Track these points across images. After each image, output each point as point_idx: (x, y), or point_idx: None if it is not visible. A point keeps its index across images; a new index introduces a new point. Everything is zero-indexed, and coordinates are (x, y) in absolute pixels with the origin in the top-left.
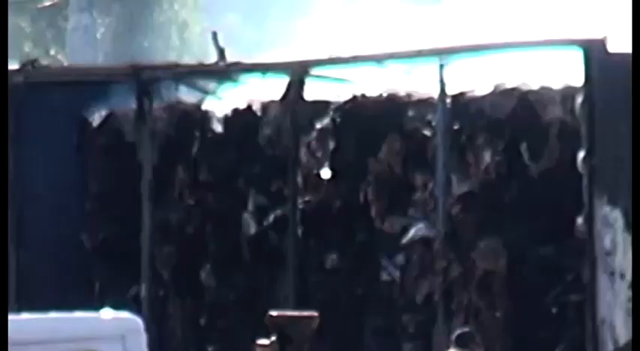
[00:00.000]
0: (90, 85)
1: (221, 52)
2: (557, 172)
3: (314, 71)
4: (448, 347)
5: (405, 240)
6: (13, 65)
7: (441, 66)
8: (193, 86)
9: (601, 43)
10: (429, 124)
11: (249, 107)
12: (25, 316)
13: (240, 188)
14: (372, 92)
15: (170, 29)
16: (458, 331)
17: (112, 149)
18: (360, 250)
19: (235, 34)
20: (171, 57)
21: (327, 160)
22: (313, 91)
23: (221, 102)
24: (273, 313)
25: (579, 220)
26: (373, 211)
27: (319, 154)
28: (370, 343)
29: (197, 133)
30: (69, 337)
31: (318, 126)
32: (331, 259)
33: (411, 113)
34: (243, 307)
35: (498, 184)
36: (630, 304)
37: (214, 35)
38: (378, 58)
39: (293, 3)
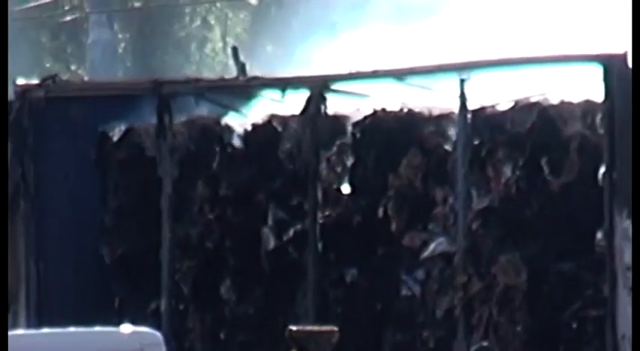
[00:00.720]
0: (110, 99)
1: (241, 67)
2: (578, 186)
3: (334, 86)
4: None
5: (425, 255)
6: (33, 80)
7: (462, 81)
8: (213, 101)
9: (621, 58)
10: (449, 138)
11: (269, 122)
12: (45, 330)
13: (260, 203)
14: (392, 107)
15: (190, 44)
16: (476, 346)
17: (132, 164)
18: (379, 264)
19: (256, 48)
20: (192, 72)
21: (347, 175)
22: (333, 105)
23: (241, 117)
24: (293, 327)
25: (599, 235)
26: (393, 226)
27: (339, 169)
28: None
29: (217, 148)
30: None
31: (338, 141)
32: (351, 273)
33: (431, 128)
34: (263, 322)
35: (518, 199)
36: None
37: (235, 50)
38: (399, 73)
39: (312, 18)
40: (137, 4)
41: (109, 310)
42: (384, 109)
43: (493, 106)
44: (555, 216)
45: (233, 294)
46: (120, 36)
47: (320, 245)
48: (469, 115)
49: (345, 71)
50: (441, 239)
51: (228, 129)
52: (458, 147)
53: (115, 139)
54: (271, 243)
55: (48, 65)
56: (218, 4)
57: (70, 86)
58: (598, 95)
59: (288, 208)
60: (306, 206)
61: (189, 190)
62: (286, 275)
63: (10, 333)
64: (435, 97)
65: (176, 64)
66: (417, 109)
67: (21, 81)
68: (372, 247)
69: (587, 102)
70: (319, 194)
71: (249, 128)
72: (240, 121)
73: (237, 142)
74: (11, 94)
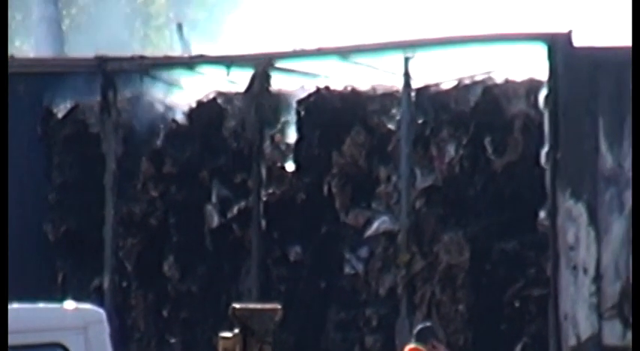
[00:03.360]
0: (54, 76)
1: (186, 45)
2: (521, 166)
3: (279, 64)
4: (410, 341)
5: (368, 233)
6: None
7: (406, 59)
8: (158, 78)
9: (565, 37)
10: (393, 117)
11: (214, 99)
12: None
13: (204, 180)
14: (336, 85)
15: (135, 21)
16: (419, 326)
17: (76, 140)
18: (323, 242)
19: (200, 26)
20: (137, 49)
21: (291, 153)
22: (278, 83)
23: (186, 94)
24: (237, 305)
25: (542, 214)
26: (337, 204)
27: (283, 147)
28: (333, 336)
29: (161, 125)
30: (31, 328)
31: (282, 119)
32: (295, 251)
33: (375, 107)
34: (206, 299)
35: (462, 178)
36: (593, 299)
37: (179, 27)
38: (343, 51)
39: None
40: None
41: (52, 286)
42: (328, 88)
43: (437, 85)
44: (498, 195)
45: (176, 271)
46: (64, 12)
47: (264, 223)
48: (413, 94)
49: (289, 49)
50: (385, 218)
51: (173, 106)
52: (402, 126)
53: (60, 115)
54: (215, 220)
55: None
56: None
57: (15, 62)
58: (542, 74)
59: (232, 185)
60: (250, 184)
61: (133, 167)
62: (230, 253)
63: None
64: (379, 76)
65: (121, 41)
66: (361, 88)
67: None
68: (316, 225)
69: (531, 81)
70: (263, 172)
71: (194, 105)
72: (185, 98)
73: (181, 119)
74: None
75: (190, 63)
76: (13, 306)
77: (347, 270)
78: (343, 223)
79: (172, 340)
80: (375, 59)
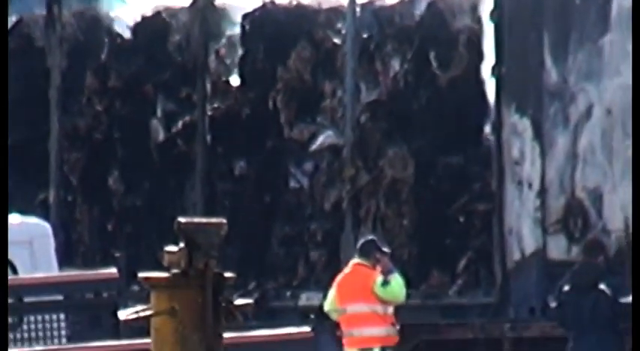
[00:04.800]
0: None
1: None
2: (466, 80)
3: None
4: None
5: (313, 147)
6: None
7: None
8: None
9: None
10: (338, 32)
11: (159, 13)
12: None
13: (149, 95)
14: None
15: None
16: (362, 240)
17: (21, 55)
18: (268, 157)
19: None
20: None
21: (236, 67)
22: None
23: (130, 8)
24: (182, 219)
25: (487, 129)
26: (282, 119)
27: (228, 61)
28: (278, 251)
29: (106, 39)
30: None
31: (228, 33)
32: (240, 166)
33: (320, 21)
34: (151, 214)
35: (406, 93)
36: (538, 214)
37: None
38: None
39: None
40: None
41: None
42: (273, 2)
43: (383, 0)
44: (443, 109)
45: (121, 185)
46: None
47: (209, 137)
48: (358, 9)
49: None
50: (330, 132)
51: (118, 20)
52: (347, 40)
53: None
54: (160, 135)
55: None
56: None
57: None
58: None
59: (176, 99)
60: (195, 98)
61: (77, 81)
62: (175, 167)
63: None
64: None
65: None
66: (306, 2)
67: None
68: (261, 139)
69: None
70: (208, 86)
71: (138, 20)
72: (130, 12)
73: (126, 33)
74: None
75: None
76: None
77: (292, 184)
78: (288, 138)
79: (117, 254)
80: None
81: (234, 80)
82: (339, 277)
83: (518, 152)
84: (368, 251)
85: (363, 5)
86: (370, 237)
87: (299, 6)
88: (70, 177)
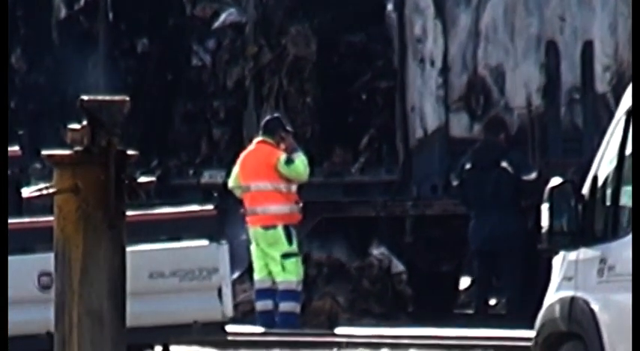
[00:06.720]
0: None
1: None
2: None
3: None
4: (258, 133)
5: (215, 25)
6: None
7: None
8: None
9: None
10: None
11: None
12: None
13: None
14: None
15: None
16: (267, 117)
17: None
18: (170, 34)
19: None
20: None
21: None
22: None
23: None
24: (84, 97)
25: (390, 7)
26: None
27: None
28: (180, 128)
29: None
30: None
31: None
32: (142, 43)
33: None
34: (54, 91)
35: None
36: (440, 91)
37: None
38: None
39: None
40: None
41: None
42: None
43: None
44: None
45: (24, 63)
46: None
47: (111, 15)
48: None
49: None
50: (232, 9)
51: None
52: None
53: None
54: (62, 12)
55: None
56: None
57: None
58: None
59: None
60: None
61: None
62: (77, 45)
63: None
64: None
65: None
66: None
67: None
68: (164, 16)
69: None
70: None
71: None
72: None
73: None
74: None
75: None
76: None
77: (194, 62)
78: (191, 15)
79: (20, 132)
80: None
81: None
82: (242, 155)
83: (420, 30)
84: (273, 129)
85: None
86: (275, 114)
87: None
88: None
